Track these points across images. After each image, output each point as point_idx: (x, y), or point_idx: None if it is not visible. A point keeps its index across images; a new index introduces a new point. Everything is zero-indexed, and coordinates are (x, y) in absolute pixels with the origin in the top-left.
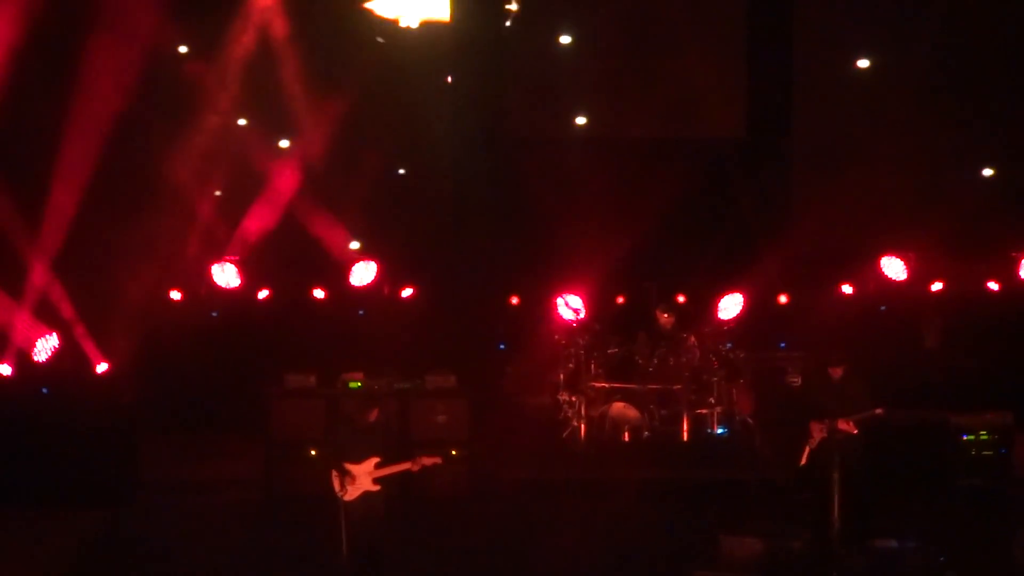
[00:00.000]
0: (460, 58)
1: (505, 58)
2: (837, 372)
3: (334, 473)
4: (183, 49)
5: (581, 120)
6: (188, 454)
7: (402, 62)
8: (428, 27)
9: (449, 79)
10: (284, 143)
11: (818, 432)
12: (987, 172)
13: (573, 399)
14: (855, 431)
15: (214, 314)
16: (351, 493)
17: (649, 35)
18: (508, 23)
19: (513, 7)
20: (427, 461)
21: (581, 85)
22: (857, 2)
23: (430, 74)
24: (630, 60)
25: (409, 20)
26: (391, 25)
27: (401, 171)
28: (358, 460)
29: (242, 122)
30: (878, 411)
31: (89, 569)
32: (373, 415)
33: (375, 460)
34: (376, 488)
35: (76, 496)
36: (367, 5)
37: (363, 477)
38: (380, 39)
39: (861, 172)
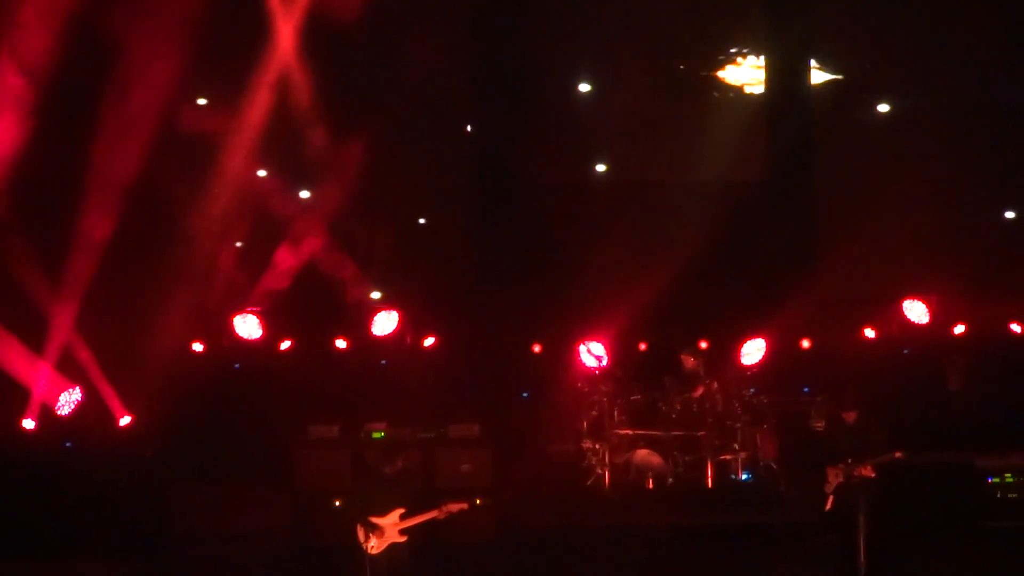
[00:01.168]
0: (480, 107)
1: (525, 105)
2: (851, 416)
3: (359, 526)
4: (203, 101)
5: (602, 166)
6: (213, 506)
7: (421, 112)
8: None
9: (469, 128)
10: (305, 194)
11: (834, 477)
12: (1009, 215)
13: (597, 446)
14: (873, 475)
15: (236, 365)
16: (377, 546)
17: (670, 80)
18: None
19: None
20: (453, 507)
21: (603, 130)
22: (876, 46)
23: (450, 123)
24: (651, 105)
25: None
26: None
27: (422, 220)
28: (383, 512)
29: (262, 173)
30: (897, 454)
31: None
32: (397, 465)
33: (400, 511)
34: (403, 539)
35: (102, 549)
36: None
37: (389, 529)
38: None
39: (883, 215)
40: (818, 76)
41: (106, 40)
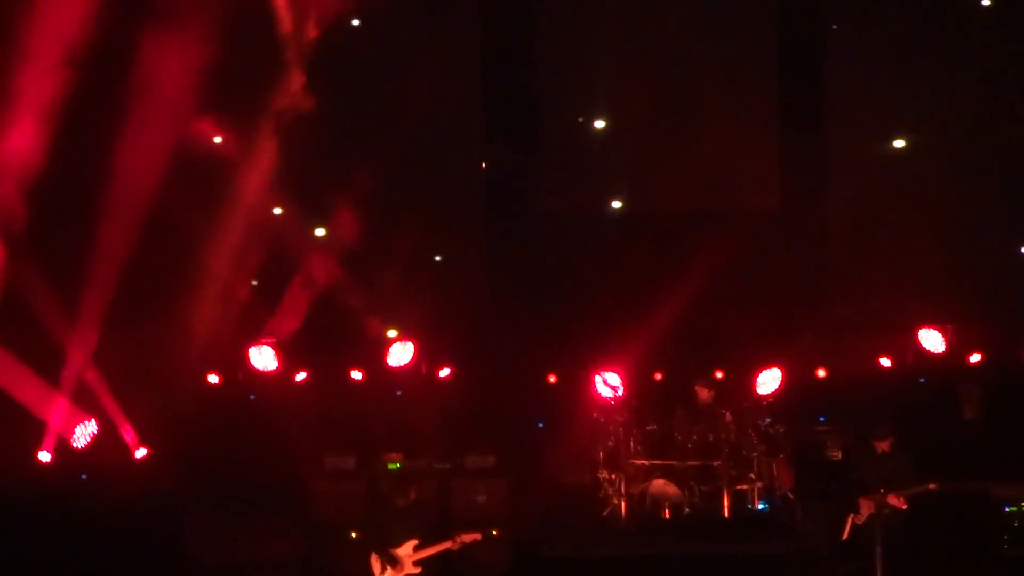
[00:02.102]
0: (494, 140)
1: (539, 137)
2: (883, 445)
3: (373, 557)
4: (218, 139)
5: (617, 197)
6: (229, 537)
7: (435, 146)
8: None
9: (484, 164)
10: (319, 231)
11: (867, 508)
12: None
13: (613, 477)
14: (904, 506)
15: (252, 397)
16: None
17: (682, 111)
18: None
19: None
20: (467, 538)
21: (616, 160)
22: (890, 80)
23: (464, 157)
24: (664, 135)
25: None
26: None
27: (437, 258)
28: (398, 542)
29: (278, 211)
30: (931, 486)
31: None
32: (411, 495)
33: (414, 542)
34: (417, 570)
35: None
36: None
37: (404, 560)
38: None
39: (897, 245)
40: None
41: (124, 73)
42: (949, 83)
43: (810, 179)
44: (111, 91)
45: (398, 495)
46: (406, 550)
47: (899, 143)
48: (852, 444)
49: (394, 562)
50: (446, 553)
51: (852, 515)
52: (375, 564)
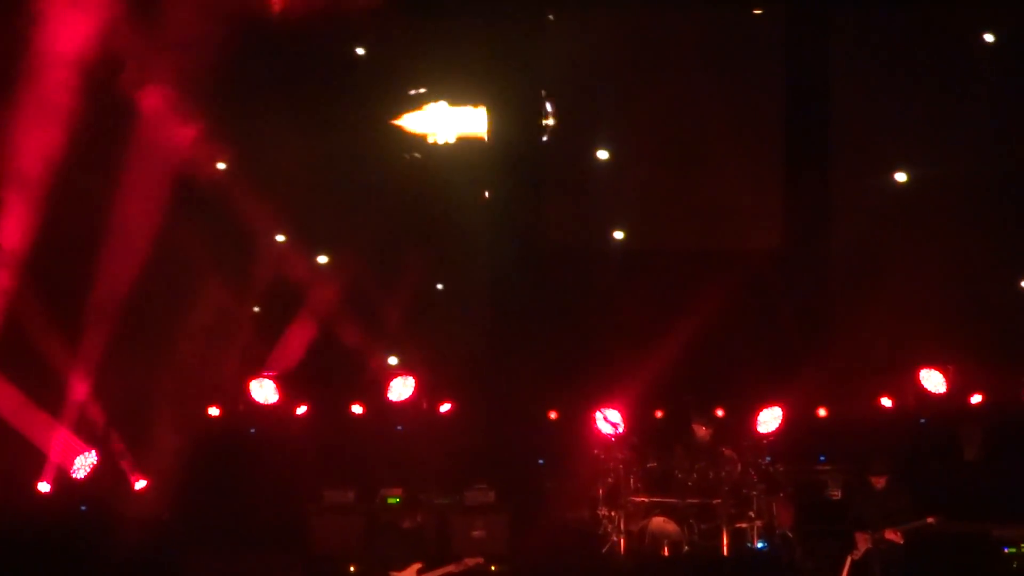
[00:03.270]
0: (497, 172)
1: (543, 171)
2: (880, 481)
3: None
4: (221, 166)
5: (619, 233)
6: (227, 571)
7: (439, 176)
8: (464, 141)
9: (487, 194)
10: (322, 259)
11: (863, 543)
12: None
13: (612, 514)
14: (901, 541)
15: (252, 430)
16: None
17: (687, 148)
18: (544, 137)
19: (550, 121)
20: (469, 561)
21: (619, 197)
22: (893, 116)
23: (467, 188)
24: (667, 171)
25: (445, 136)
26: (422, 141)
27: (440, 286)
28: (401, 567)
29: (280, 238)
30: (930, 520)
31: None
32: (416, 519)
33: (417, 566)
34: None
35: None
36: (398, 122)
37: None
38: (414, 155)
39: (899, 284)
40: None
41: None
42: (952, 120)
43: (813, 218)
44: (113, 119)
45: (403, 518)
46: (410, 574)
47: (901, 176)
48: (852, 482)
49: None
50: None
51: (851, 555)
52: None
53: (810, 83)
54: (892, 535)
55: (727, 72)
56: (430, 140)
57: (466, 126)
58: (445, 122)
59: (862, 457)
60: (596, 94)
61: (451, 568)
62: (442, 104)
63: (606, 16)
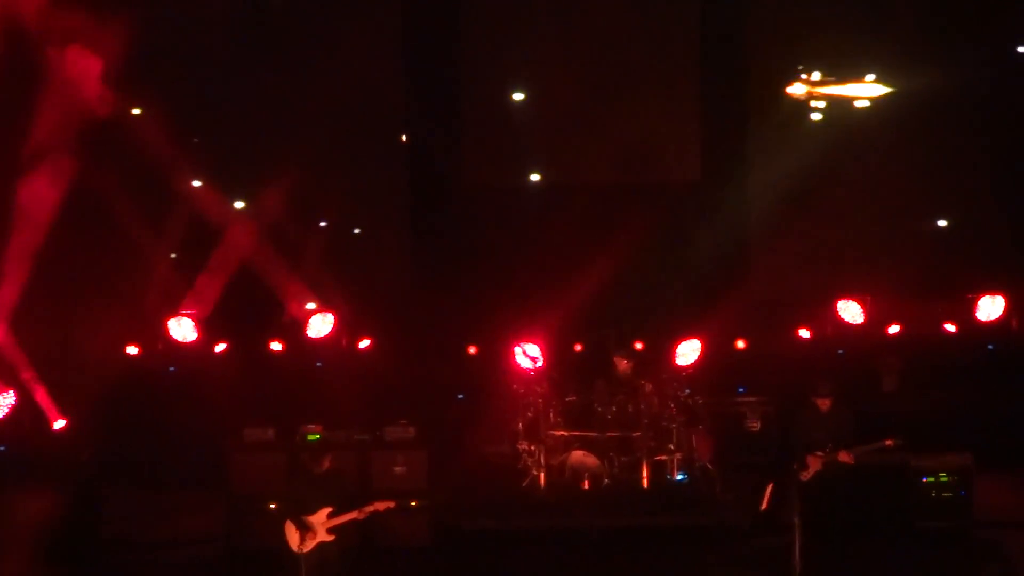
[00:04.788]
0: (414, 113)
1: (459, 110)
2: (825, 404)
3: (289, 525)
4: (137, 111)
5: (536, 170)
6: (148, 510)
7: (355, 119)
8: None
9: (404, 137)
10: (239, 204)
11: (815, 465)
12: (942, 223)
13: (532, 448)
14: (852, 462)
15: (171, 369)
16: (307, 545)
17: (603, 83)
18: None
19: None
20: (380, 506)
21: (537, 133)
22: (810, 48)
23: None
24: (585, 107)
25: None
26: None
27: (357, 231)
28: (313, 511)
29: (197, 183)
30: (888, 442)
31: None
32: (326, 464)
33: (328, 510)
34: (331, 538)
35: (34, 554)
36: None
37: (318, 527)
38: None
39: (817, 217)
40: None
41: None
42: (871, 54)
43: (730, 150)
44: (24, 60)
45: (313, 463)
46: (320, 518)
47: (817, 116)
48: (792, 407)
49: (308, 529)
50: (367, 522)
51: (770, 485)
52: (290, 531)
53: (727, 17)
54: (845, 456)
55: (641, 5)
56: None
57: None
58: None
59: (807, 379)
60: (511, 33)
61: (354, 515)
62: None
63: None
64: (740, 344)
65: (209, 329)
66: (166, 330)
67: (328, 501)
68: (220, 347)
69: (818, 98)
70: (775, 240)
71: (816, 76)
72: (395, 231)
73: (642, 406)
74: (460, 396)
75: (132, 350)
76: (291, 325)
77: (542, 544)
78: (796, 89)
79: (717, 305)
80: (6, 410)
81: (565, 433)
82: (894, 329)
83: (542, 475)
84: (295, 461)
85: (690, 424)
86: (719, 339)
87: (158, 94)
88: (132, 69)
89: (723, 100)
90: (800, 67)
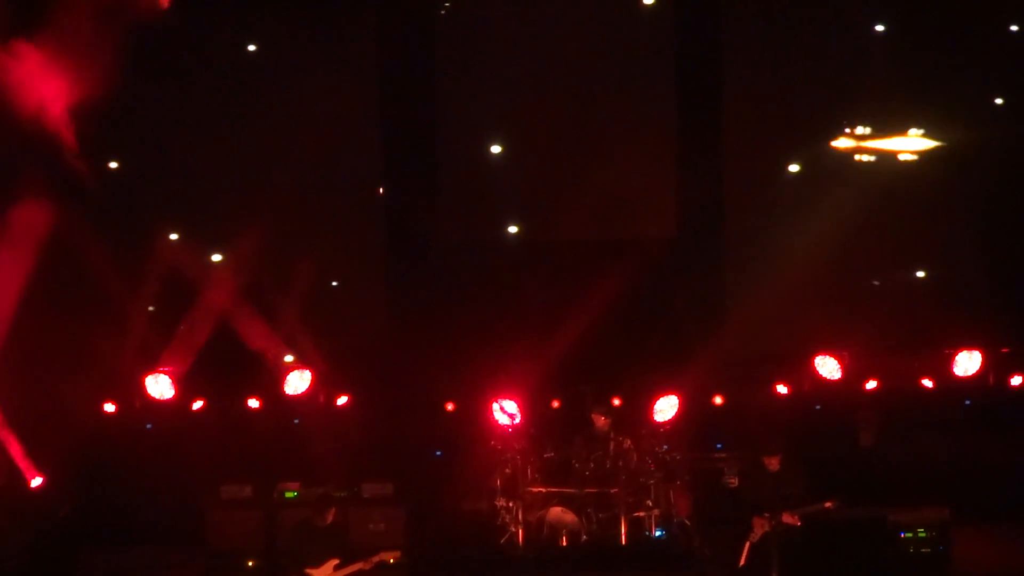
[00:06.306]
0: (391, 168)
1: (437, 166)
2: (773, 463)
3: None
4: (114, 165)
5: (514, 226)
6: (125, 567)
7: (333, 173)
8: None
9: (381, 190)
10: (216, 257)
11: (760, 527)
12: (920, 274)
13: (510, 504)
14: (799, 524)
15: (148, 426)
16: None
17: (580, 139)
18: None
19: None
20: (387, 556)
21: (513, 190)
22: (785, 105)
23: (361, 184)
24: (561, 163)
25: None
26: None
27: (334, 283)
28: (317, 563)
29: (174, 237)
30: (828, 504)
31: None
32: (330, 517)
33: (334, 562)
34: None
35: None
36: None
37: None
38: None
39: (793, 272)
40: None
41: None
42: (844, 109)
43: (706, 206)
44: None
45: (317, 516)
46: (326, 571)
47: (794, 168)
48: (747, 467)
49: None
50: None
51: (749, 541)
52: None
53: (703, 74)
54: (789, 518)
55: (618, 62)
56: None
57: None
58: None
59: (754, 439)
60: (487, 88)
61: (360, 565)
62: None
63: (496, 9)
64: (718, 400)
65: (186, 386)
66: (143, 387)
67: (333, 553)
68: (197, 404)
69: (865, 152)
70: (752, 295)
71: (862, 131)
72: (372, 286)
73: (620, 462)
74: (438, 452)
75: (109, 407)
76: (268, 381)
77: None
78: (842, 143)
79: (694, 361)
80: None
81: (543, 489)
82: (871, 384)
83: (520, 532)
84: (273, 518)
85: (668, 480)
86: (697, 395)
87: (134, 147)
88: (107, 123)
89: (699, 156)
90: (845, 122)
